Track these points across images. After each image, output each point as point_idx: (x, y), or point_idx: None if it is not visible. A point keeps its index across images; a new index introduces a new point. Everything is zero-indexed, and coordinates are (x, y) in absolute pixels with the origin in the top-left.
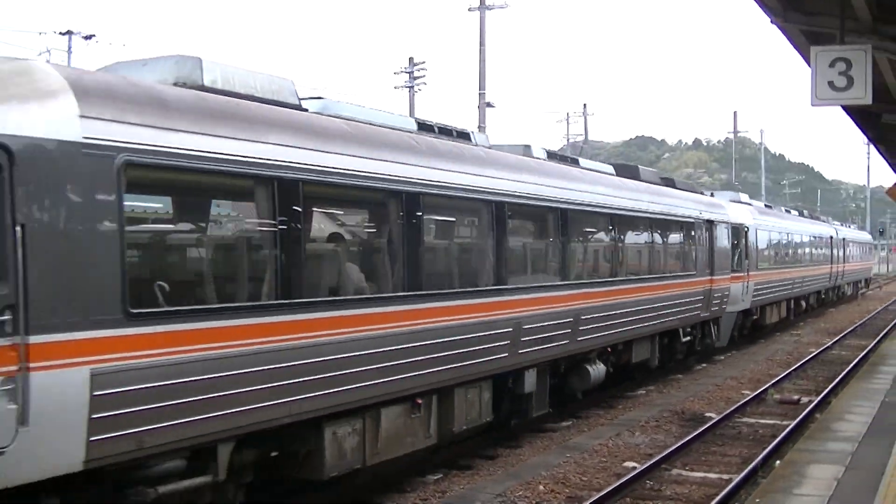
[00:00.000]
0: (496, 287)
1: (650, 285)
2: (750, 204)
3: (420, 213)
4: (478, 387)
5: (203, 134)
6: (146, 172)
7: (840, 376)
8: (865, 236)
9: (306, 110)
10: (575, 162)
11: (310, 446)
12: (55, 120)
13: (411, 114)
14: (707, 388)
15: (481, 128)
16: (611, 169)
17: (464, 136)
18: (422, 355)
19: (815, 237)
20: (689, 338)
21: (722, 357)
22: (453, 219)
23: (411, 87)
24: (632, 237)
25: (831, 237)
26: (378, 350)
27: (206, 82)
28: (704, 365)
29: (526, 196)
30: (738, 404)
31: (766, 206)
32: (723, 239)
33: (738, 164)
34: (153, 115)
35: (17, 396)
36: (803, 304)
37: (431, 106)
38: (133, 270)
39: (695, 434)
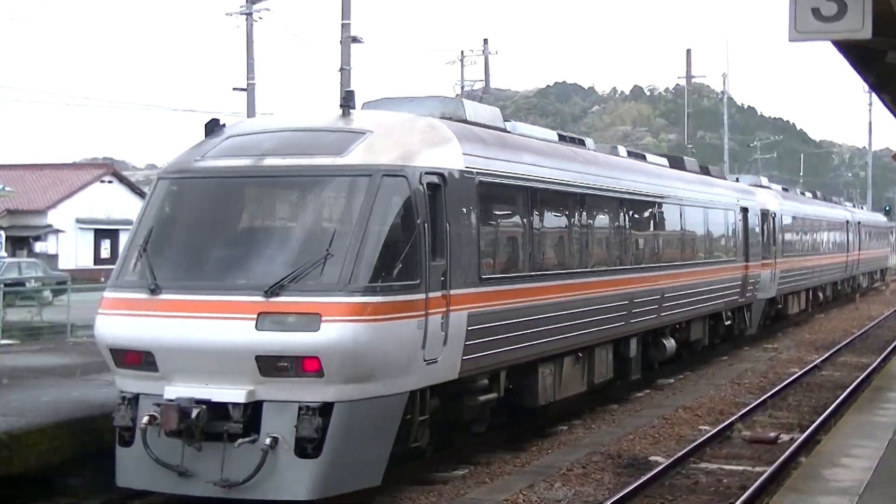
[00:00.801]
0: (618, 267)
1: (707, 269)
2: (770, 188)
3: (587, 209)
4: (605, 348)
5: (500, 160)
6: (486, 188)
7: (833, 406)
8: (880, 219)
9: (510, 132)
10: (642, 157)
11: (531, 381)
12: (454, 157)
13: (249, 45)
14: (651, 422)
15: (345, 70)
16: (665, 161)
17: (580, 142)
18: (591, 317)
19: (831, 222)
20: (729, 321)
21: (671, 380)
22: (599, 212)
23: (249, 15)
24: (694, 226)
25: (846, 221)
26: (587, 308)
27: (469, 117)
28: (647, 391)
29: (638, 193)
30: (695, 444)
31: (784, 189)
32: (755, 225)
33: (692, 119)
34: (482, 149)
35: (445, 327)
36: (821, 294)
37: (277, 40)
38: (482, 252)
39: (636, 485)
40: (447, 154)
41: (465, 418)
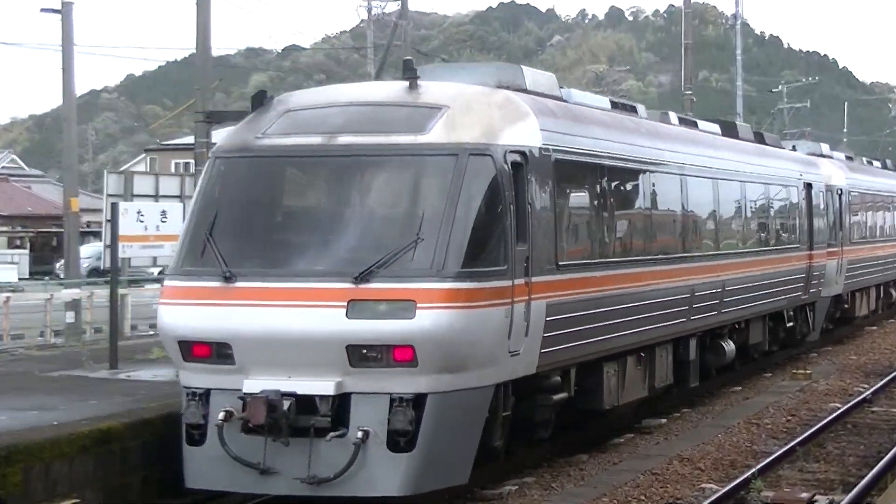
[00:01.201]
0: (682, 255)
1: (769, 258)
2: (831, 157)
3: (656, 188)
4: (665, 348)
5: (572, 135)
6: (562, 166)
7: (889, 456)
8: None
9: (566, 101)
10: (695, 125)
11: (596, 381)
12: (533, 133)
13: None
14: (635, 480)
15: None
16: (717, 128)
17: (633, 109)
18: (656, 311)
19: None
20: (791, 323)
21: (662, 420)
22: (667, 192)
23: None
24: (756, 207)
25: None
26: (653, 300)
27: (528, 86)
28: (630, 435)
29: (703, 169)
30: None
31: (848, 158)
32: (819, 205)
33: (692, 55)
34: (556, 123)
35: (527, 317)
36: (893, 293)
37: None
38: (559, 237)
39: None
40: (527, 130)
41: (537, 419)
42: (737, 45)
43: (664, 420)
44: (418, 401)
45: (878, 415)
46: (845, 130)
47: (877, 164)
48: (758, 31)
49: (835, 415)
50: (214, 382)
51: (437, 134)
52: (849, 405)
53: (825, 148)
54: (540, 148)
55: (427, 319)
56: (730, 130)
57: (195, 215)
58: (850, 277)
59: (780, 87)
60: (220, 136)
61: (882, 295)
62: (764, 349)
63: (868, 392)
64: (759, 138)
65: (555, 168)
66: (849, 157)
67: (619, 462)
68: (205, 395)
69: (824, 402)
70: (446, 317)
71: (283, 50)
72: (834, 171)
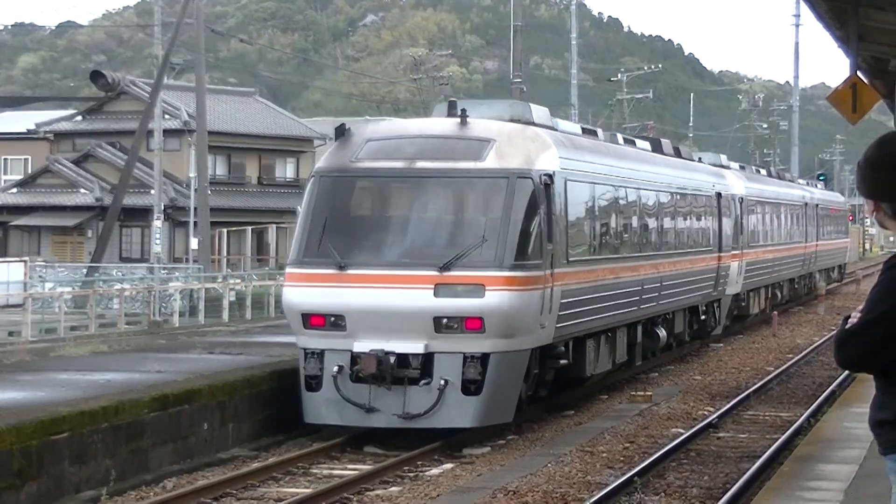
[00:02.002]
0: (637, 254)
1: (692, 258)
2: (729, 167)
3: (625, 199)
4: (622, 330)
5: (574, 160)
6: (569, 185)
7: (735, 486)
8: (836, 198)
9: (556, 129)
10: (633, 143)
11: (581, 353)
12: (554, 160)
13: None
14: None
15: None
16: (647, 145)
17: (593, 133)
18: (622, 299)
19: (791, 205)
20: (704, 316)
21: (485, 448)
22: (629, 202)
23: None
24: (684, 214)
25: (805, 203)
26: (620, 290)
27: (534, 119)
28: (450, 465)
29: (652, 183)
30: None
31: (741, 167)
32: (726, 212)
33: (523, 38)
34: (565, 152)
35: (550, 299)
36: (778, 293)
37: None
38: (569, 238)
39: None
40: (550, 158)
41: (546, 379)
42: (572, 28)
43: (488, 448)
44: (484, 358)
45: (724, 441)
46: (691, 124)
47: (763, 172)
48: (596, 13)
49: (677, 441)
50: (328, 345)
51: (491, 161)
52: (692, 431)
53: (724, 159)
54: (558, 171)
55: (493, 298)
56: (656, 147)
57: (309, 219)
58: (748, 278)
59: (619, 75)
60: None
61: (770, 295)
62: (684, 338)
63: (713, 416)
64: (678, 153)
65: (566, 186)
66: (741, 167)
67: (436, 496)
68: (320, 354)
69: (666, 428)
70: (506, 297)
71: (56, 27)
72: (735, 181)
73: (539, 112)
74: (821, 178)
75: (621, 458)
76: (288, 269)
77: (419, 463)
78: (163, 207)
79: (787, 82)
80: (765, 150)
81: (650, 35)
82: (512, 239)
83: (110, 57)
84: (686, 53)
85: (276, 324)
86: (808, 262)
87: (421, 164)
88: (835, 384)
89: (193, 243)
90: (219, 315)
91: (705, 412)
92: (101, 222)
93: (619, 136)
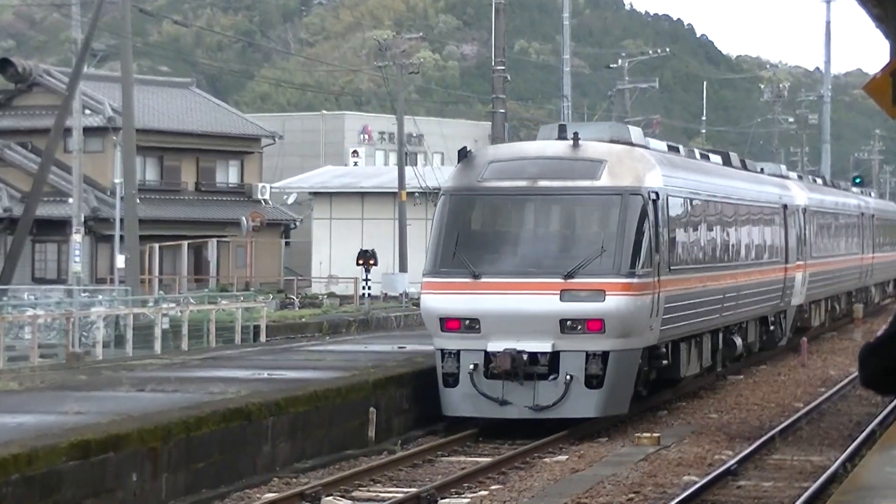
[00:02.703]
0: (727, 263)
1: (764, 269)
2: (789, 177)
3: (718, 213)
4: (708, 336)
5: (672, 177)
6: (670, 200)
7: None
8: (892, 208)
9: (648, 147)
10: (707, 157)
11: (676, 356)
12: (658, 179)
13: None
14: None
15: None
16: (718, 158)
17: (676, 150)
18: (715, 305)
19: (848, 215)
20: (773, 326)
21: (464, 500)
22: (722, 214)
23: None
24: (758, 225)
25: (861, 214)
26: (714, 297)
27: (632, 139)
28: None
29: (735, 198)
30: None
31: (798, 176)
32: (791, 223)
33: (506, 18)
34: (666, 170)
35: (657, 304)
36: (837, 307)
37: None
38: (667, 250)
39: None
40: (656, 177)
41: (649, 378)
42: (563, 7)
43: (466, 500)
44: (605, 356)
45: (745, 491)
46: (704, 118)
47: (819, 181)
48: None
49: (690, 491)
50: (464, 345)
51: (605, 180)
52: (708, 479)
53: (783, 168)
54: (662, 188)
55: (612, 302)
56: (726, 160)
57: (443, 233)
58: (811, 289)
59: (620, 61)
60: None
61: (830, 308)
62: (756, 348)
63: (732, 461)
64: (744, 165)
65: (667, 202)
66: (799, 176)
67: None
68: (456, 354)
69: (676, 475)
70: (624, 301)
71: None
72: (798, 192)
73: (635, 133)
74: (857, 181)
75: None
76: (425, 279)
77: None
78: (83, 219)
79: (818, 69)
80: (791, 149)
81: (655, 14)
82: (627, 249)
83: (20, 42)
84: (698, 35)
85: (217, 355)
86: (864, 275)
87: (542, 183)
88: (875, 422)
89: (120, 261)
90: (150, 346)
91: (723, 457)
92: (10, 236)
93: (696, 152)
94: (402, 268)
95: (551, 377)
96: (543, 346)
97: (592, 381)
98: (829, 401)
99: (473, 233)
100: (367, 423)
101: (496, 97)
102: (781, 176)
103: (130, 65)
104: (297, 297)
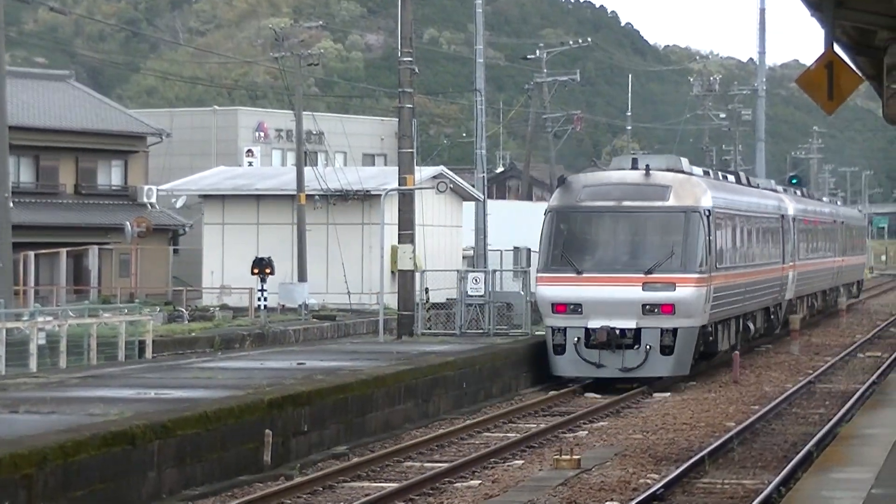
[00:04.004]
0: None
1: (771, 268)
2: (777, 190)
3: (744, 224)
4: (733, 321)
5: (715, 197)
6: (715, 215)
7: None
8: (857, 215)
9: (690, 173)
10: (726, 178)
11: (714, 335)
12: (709, 199)
13: None
14: None
15: None
16: (732, 177)
17: (708, 174)
18: (746, 295)
19: (825, 223)
20: (773, 316)
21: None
22: (749, 225)
23: None
24: (768, 231)
25: (834, 221)
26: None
27: (684, 168)
28: None
29: (750, 210)
30: None
31: (783, 189)
32: (786, 229)
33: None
34: (712, 192)
35: (708, 294)
36: (815, 303)
37: None
38: (716, 251)
39: None
40: (707, 198)
41: (699, 350)
42: None
43: None
44: (674, 331)
45: None
46: (629, 114)
47: (800, 192)
48: None
49: None
50: (570, 323)
51: (672, 201)
52: None
53: (773, 183)
54: (711, 207)
55: (681, 292)
56: (738, 178)
57: (551, 241)
58: (798, 286)
59: (538, 52)
60: None
61: (811, 304)
62: (760, 333)
63: (658, 485)
64: (748, 182)
65: (714, 216)
66: (784, 189)
67: None
68: (563, 330)
69: (598, 501)
70: (689, 291)
71: None
72: (789, 203)
73: (685, 162)
74: (793, 181)
75: None
76: (539, 275)
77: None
78: None
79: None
80: (723, 146)
81: (577, 1)
82: (690, 253)
83: None
84: (623, 24)
85: (99, 373)
86: (836, 276)
87: (625, 203)
88: (812, 443)
89: None
90: (24, 363)
91: (648, 480)
92: None
93: (720, 173)
94: (302, 277)
95: (635, 347)
96: (629, 323)
97: (665, 350)
98: (763, 419)
99: (575, 240)
100: (263, 446)
101: (403, 91)
102: (773, 189)
103: (3, 56)
104: (186, 310)
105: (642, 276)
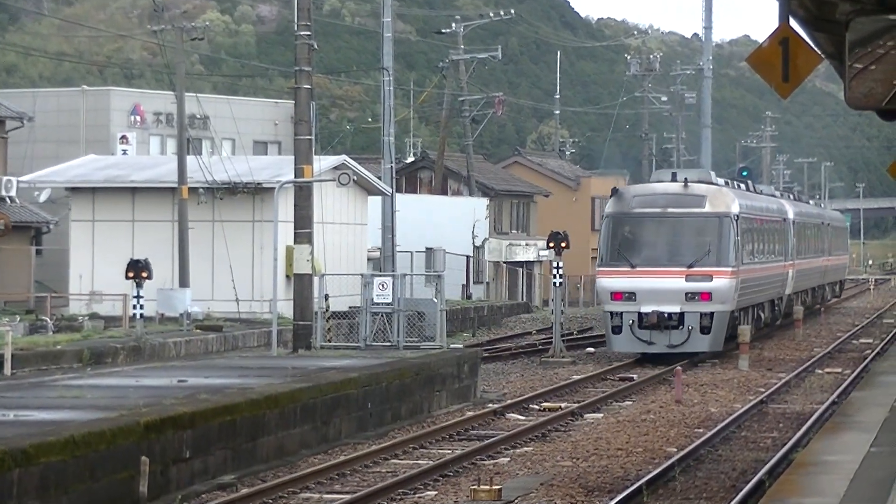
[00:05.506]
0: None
1: (779, 265)
2: (775, 195)
3: (761, 224)
4: (752, 309)
5: (740, 204)
6: (740, 219)
7: None
8: (839, 217)
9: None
10: (753, 189)
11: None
12: (736, 206)
13: None
14: None
15: None
16: (743, 186)
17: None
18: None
19: (815, 225)
20: (776, 309)
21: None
22: (763, 224)
23: None
24: (773, 232)
25: (822, 223)
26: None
27: (712, 180)
28: None
29: (765, 212)
30: None
31: (781, 193)
32: (789, 232)
33: None
34: (738, 200)
35: (736, 285)
36: (806, 299)
37: None
38: (742, 250)
39: None
40: (735, 205)
41: (727, 332)
42: None
43: None
44: (711, 315)
45: None
46: (558, 97)
47: (792, 196)
48: None
49: None
50: (625, 308)
51: (708, 208)
52: None
53: (772, 189)
54: (739, 213)
55: (717, 283)
56: (747, 186)
57: (609, 241)
58: (796, 282)
59: (454, 25)
60: None
61: (803, 300)
62: (768, 322)
63: None
64: (754, 188)
65: (740, 220)
66: (782, 193)
67: None
68: (620, 314)
69: None
70: (722, 282)
71: None
72: (789, 207)
73: (713, 174)
74: (744, 174)
75: None
76: (599, 269)
77: None
78: None
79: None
80: (664, 134)
81: None
82: (724, 251)
83: None
84: None
85: None
86: (824, 275)
87: (670, 210)
88: (763, 470)
89: None
90: None
91: None
92: None
93: (736, 183)
94: (183, 282)
95: (679, 327)
96: (675, 308)
97: (704, 330)
98: (708, 444)
99: (629, 240)
100: (139, 475)
101: (300, 70)
102: (771, 195)
103: None
104: (50, 319)
105: (685, 269)
